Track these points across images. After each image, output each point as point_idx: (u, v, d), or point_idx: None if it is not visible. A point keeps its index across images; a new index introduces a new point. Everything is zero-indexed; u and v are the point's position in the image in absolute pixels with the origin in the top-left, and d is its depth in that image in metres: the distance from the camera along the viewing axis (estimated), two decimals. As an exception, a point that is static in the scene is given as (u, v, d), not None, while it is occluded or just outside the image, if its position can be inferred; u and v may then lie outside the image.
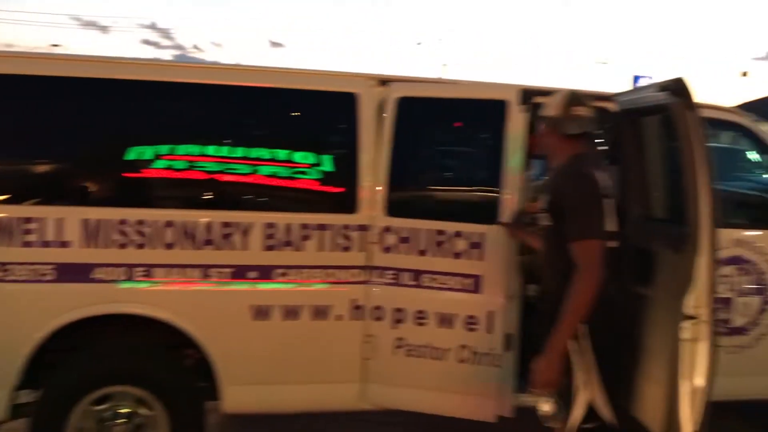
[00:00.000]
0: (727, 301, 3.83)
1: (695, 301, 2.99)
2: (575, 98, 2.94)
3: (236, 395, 3.39)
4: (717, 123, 4.00)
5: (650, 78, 49.02)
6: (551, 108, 2.94)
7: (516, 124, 3.47)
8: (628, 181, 3.79)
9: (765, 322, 3.89)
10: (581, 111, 2.90)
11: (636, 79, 48.46)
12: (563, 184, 2.84)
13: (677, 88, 3.01)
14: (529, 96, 3.48)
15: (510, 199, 3.48)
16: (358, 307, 3.43)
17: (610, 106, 3.79)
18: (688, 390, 3.04)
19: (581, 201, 2.76)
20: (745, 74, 59.13)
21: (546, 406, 2.72)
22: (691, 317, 3.00)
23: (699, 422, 3.01)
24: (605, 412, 2.78)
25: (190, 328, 3.28)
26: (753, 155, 4.43)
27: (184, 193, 3.39)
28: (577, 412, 2.73)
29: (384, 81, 3.55)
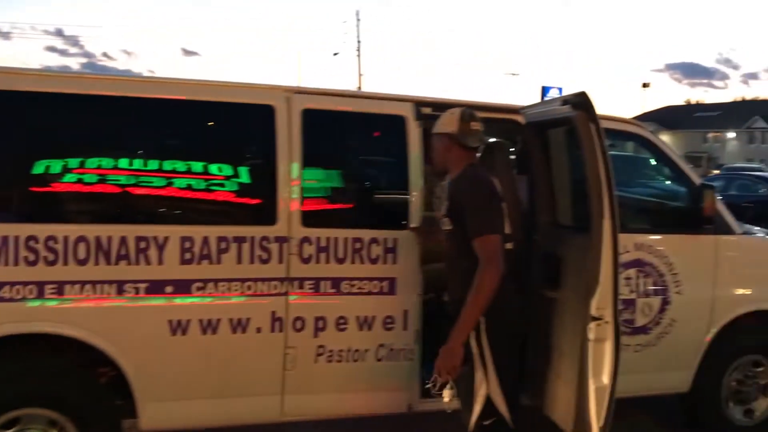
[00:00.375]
0: (630, 303, 4.04)
1: (600, 302, 3.17)
2: (470, 114, 3.12)
3: (155, 412, 3.32)
4: (618, 134, 4.24)
5: (559, 89, 50.58)
6: (448, 125, 3.09)
7: (413, 137, 3.64)
8: (537, 190, 3.97)
9: (665, 321, 4.12)
10: (476, 125, 3.10)
11: (545, 90, 50.23)
12: (462, 189, 3.02)
13: (580, 101, 3.20)
14: (421, 110, 3.66)
15: (416, 205, 3.62)
16: (278, 319, 3.44)
17: (519, 118, 3.96)
18: (595, 388, 3.22)
19: (478, 201, 2.94)
20: (646, 85, 62.85)
21: (447, 393, 2.85)
22: (596, 318, 3.18)
23: (605, 418, 3.19)
24: (501, 408, 2.91)
25: (104, 346, 3.19)
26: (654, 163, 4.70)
27: (98, 207, 3.30)
28: (476, 408, 2.88)
29: (300, 93, 3.60)
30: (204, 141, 3.62)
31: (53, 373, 3.25)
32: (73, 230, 3.16)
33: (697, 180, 4.17)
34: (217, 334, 3.34)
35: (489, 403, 2.92)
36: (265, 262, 3.40)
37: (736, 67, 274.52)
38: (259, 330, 3.41)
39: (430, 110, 3.78)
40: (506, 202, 4.11)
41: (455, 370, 2.84)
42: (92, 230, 3.18)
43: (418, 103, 3.68)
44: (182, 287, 3.28)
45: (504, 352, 2.94)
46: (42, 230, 3.12)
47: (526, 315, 3.35)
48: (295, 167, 3.44)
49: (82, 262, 3.15)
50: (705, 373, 4.27)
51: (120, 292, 3.20)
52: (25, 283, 3.09)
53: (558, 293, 3.54)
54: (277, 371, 3.47)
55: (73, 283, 3.15)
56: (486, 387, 2.90)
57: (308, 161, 3.47)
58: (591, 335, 3.19)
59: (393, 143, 3.74)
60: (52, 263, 3.12)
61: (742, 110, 73.47)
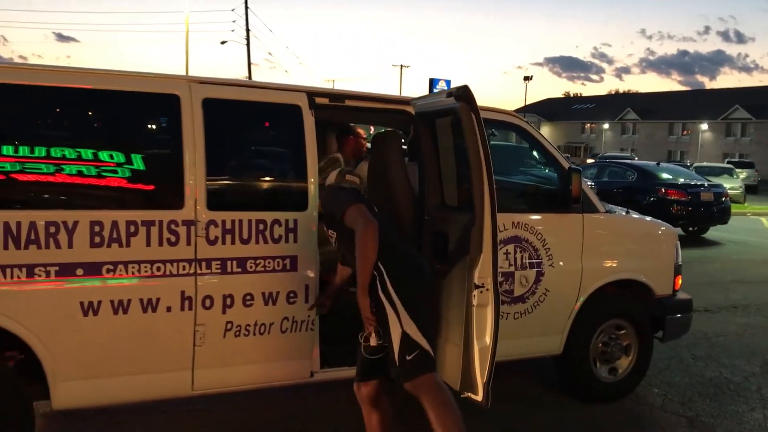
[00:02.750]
0: (509, 275, 4.50)
1: (481, 272, 3.56)
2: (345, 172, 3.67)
3: (67, 391, 3.42)
4: (498, 123, 4.67)
5: (447, 81, 51.74)
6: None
7: (308, 125, 3.92)
8: (426, 175, 4.34)
9: (540, 291, 4.61)
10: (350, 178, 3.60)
11: (434, 81, 51.25)
12: (329, 200, 3.53)
13: (462, 94, 3.57)
14: (314, 100, 3.95)
15: (313, 189, 3.91)
16: (187, 298, 3.62)
17: (409, 109, 4.31)
18: (478, 349, 3.63)
19: (334, 197, 3.45)
20: (528, 78, 65.57)
21: (374, 340, 3.31)
22: (478, 286, 3.58)
23: (488, 374, 3.60)
24: (421, 341, 3.30)
25: (14, 329, 3.27)
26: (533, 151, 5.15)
27: (7, 193, 3.33)
28: (395, 345, 3.29)
29: (201, 83, 3.77)
30: (112, 129, 3.71)
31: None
32: (-22, 216, 3.20)
33: (566, 165, 4.68)
34: (128, 314, 3.48)
35: (408, 339, 3.28)
36: (173, 244, 3.57)
37: (610, 62, 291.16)
38: (169, 309, 3.57)
39: (325, 100, 4.08)
40: (399, 188, 4.50)
41: (370, 320, 3.31)
42: (1, 216, 3.24)
43: (312, 93, 3.95)
44: (93, 269, 3.40)
45: (410, 294, 3.33)
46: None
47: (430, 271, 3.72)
48: (199, 154, 3.62)
49: (-10, 247, 3.21)
50: (575, 337, 4.82)
51: (30, 275, 3.28)
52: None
53: (446, 267, 3.93)
54: (188, 347, 3.65)
55: (-21, 267, 3.20)
56: (399, 327, 3.28)
57: (211, 148, 3.65)
58: (474, 301, 3.59)
59: (289, 131, 3.98)
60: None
61: (615, 102, 78.38)
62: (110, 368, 3.51)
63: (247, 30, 43.34)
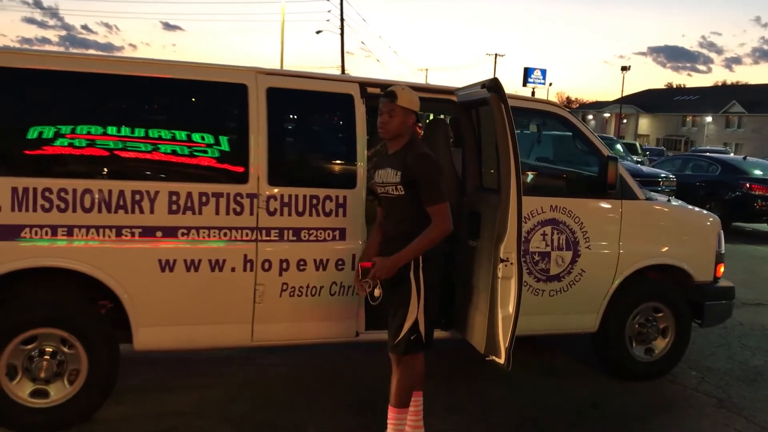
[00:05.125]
0: (545, 255, 4.84)
1: (506, 248, 3.94)
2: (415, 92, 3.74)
3: (146, 335, 4.05)
4: (538, 113, 5.01)
5: (542, 70, 50.67)
6: (413, 103, 3.62)
7: (359, 113, 4.37)
8: (467, 160, 4.74)
9: (576, 271, 4.92)
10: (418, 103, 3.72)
11: (529, 71, 50.35)
12: (417, 161, 3.52)
13: (493, 85, 3.95)
14: (366, 90, 4.37)
15: (362, 170, 4.37)
16: (249, 261, 4.18)
17: (453, 98, 4.71)
18: (502, 317, 4.01)
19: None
20: (625, 68, 63.59)
21: (377, 291, 3.61)
22: (503, 260, 3.96)
23: (510, 339, 3.97)
24: (422, 329, 3.59)
25: (105, 279, 3.91)
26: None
27: (101, 166, 3.97)
28: (408, 324, 3.56)
29: (269, 74, 4.32)
30: (189, 114, 4.32)
31: (64, 300, 3.98)
32: (80, 184, 3.87)
33: (605, 153, 4.95)
34: (198, 272, 4.08)
35: (417, 324, 3.57)
36: (238, 214, 4.13)
37: (719, 52, 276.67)
38: (233, 269, 4.15)
39: (377, 90, 4.53)
40: (444, 172, 4.92)
41: (383, 277, 3.54)
42: (96, 185, 3.90)
43: (364, 84, 4.42)
44: (170, 232, 4.02)
45: (431, 288, 3.62)
46: (56, 184, 3.83)
47: (448, 265, 4.12)
48: (262, 137, 4.16)
49: (87, 210, 3.87)
50: (611, 317, 5.09)
51: (119, 235, 3.93)
52: (41, 226, 3.81)
53: (477, 243, 4.32)
54: (248, 304, 4.22)
55: (80, 227, 3.87)
56: (416, 311, 3.56)
57: (273, 132, 4.18)
58: (499, 273, 3.97)
59: (342, 118, 4.48)
60: (63, 210, 3.84)
61: (720, 94, 74.67)
62: (182, 317, 4.12)
63: (342, 20, 44.33)
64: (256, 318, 4.25)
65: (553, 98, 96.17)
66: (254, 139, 4.15)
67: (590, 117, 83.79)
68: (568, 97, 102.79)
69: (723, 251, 5.42)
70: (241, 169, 4.15)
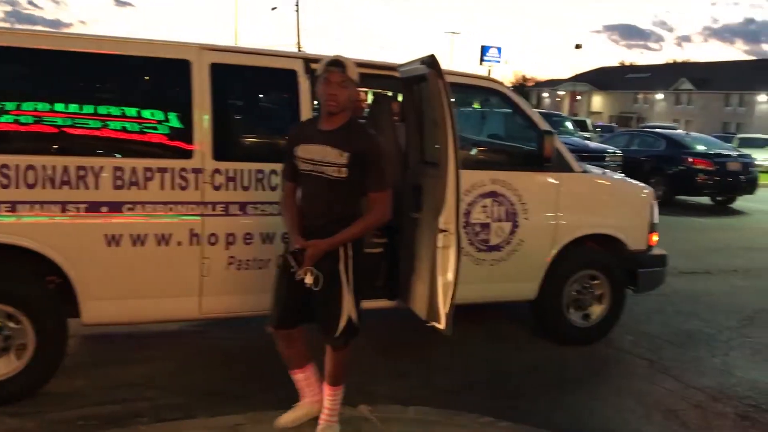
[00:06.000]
0: (486, 226, 5.03)
1: (446, 218, 4.09)
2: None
3: (93, 309, 4.10)
4: (478, 89, 5.16)
5: (498, 48, 50.67)
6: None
7: (304, 88, 4.44)
8: (410, 135, 4.88)
9: (515, 241, 5.13)
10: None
11: (485, 49, 50.66)
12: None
13: (431, 61, 4.07)
14: (310, 65, 4.42)
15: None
16: (195, 235, 4.26)
17: (396, 74, 4.83)
18: (442, 283, 4.18)
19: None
20: (578, 46, 64.41)
21: (309, 278, 3.27)
22: (443, 230, 4.12)
23: (449, 305, 4.15)
24: (354, 316, 3.44)
25: (52, 255, 3.96)
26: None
27: (46, 143, 3.97)
28: (344, 318, 3.39)
29: (212, 49, 4.36)
30: (134, 89, 4.35)
31: (9, 275, 4.00)
32: (23, 160, 3.89)
33: (542, 127, 5.14)
34: (144, 246, 4.14)
35: (351, 318, 3.42)
36: (183, 188, 4.20)
37: (670, 30, 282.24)
38: (179, 243, 4.22)
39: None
40: (389, 147, 5.04)
41: (312, 262, 3.26)
42: (40, 160, 3.92)
43: (307, 60, 4.50)
44: (115, 207, 4.06)
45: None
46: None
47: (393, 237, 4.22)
48: (207, 112, 4.22)
49: (31, 186, 3.90)
50: (549, 284, 5.32)
51: (64, 210, 3.96)
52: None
53: (420, 214, 4.48)
54: (196, 277, 4.30)
55: (24, 203, 3.90)
56: (350, 304, 3.39)
57: (217, 107, 4.24)
58: (439, 243, 4.13)
59: (287, 93, 4.55)
60: (6, 186, 3.85)
61: (671, 72, 76.24)
62: (129, 291, 4.18)
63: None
64: (204, 291, 4.34)
65: (509, 76, 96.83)
66: (198, 115, 4.20)
67: (545, 95, 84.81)
68: (523, 76, 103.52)
69: (656, 221, 5.69)
70: (185, 145, 4.20)
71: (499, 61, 46.45)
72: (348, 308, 3.39)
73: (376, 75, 4.98)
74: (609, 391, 4.72)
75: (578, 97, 75.28)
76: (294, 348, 3.62)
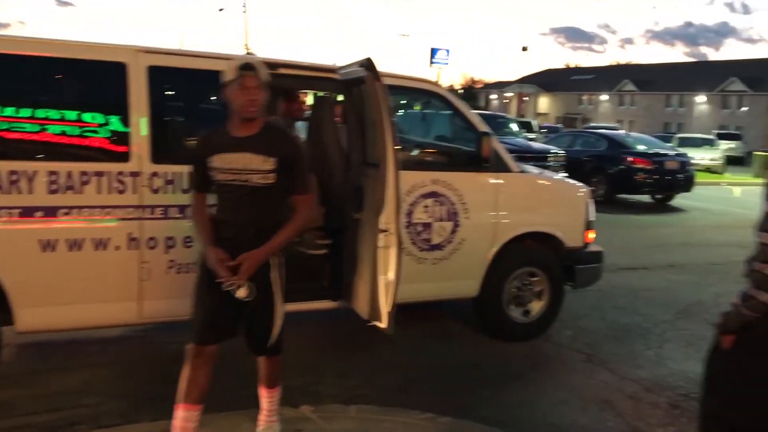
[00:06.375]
0: (427, 225, 5.11)
1: (386, 219, 4.16)
2: None
3: (29, 316, 4.03)
4: (417, 91, 5.24)
5: (447, 50, 50.94)
6: (265, 74, 3.18)
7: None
8: (351, 136, 4.92)
9: (456, 240, 5.22)
10: None
11: (434, 51, 51.10)
12: (289, 143, 3.26)
13: (368, 64, 4.13)
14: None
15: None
16: (134, 239, 4.21)
17: (337, 76, 4.87)
18: (384, 283, 4.24)
19: (304, 158, 3.31)
20: (525, 49, 65.66)
21: (243, 292, 3.11)
22: (384, 230, 4.18)
23: (391, 304, 4.21)
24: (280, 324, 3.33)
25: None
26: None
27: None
28: (278, 324, 3.30)
29: (149, 52, 4.32)
30: (71, 92, 4.26)
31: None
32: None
33: (480, 129, 5.25)
34: (81, 251, 4.08)
35: (282, 328, 3.34)
36: (121, 192, 4.16)
37: (614, 32, 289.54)
38: (117, 248, 4.17)
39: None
40: (331, 148, 5.07)
41: (250, 274, 3.12)
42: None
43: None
44: (50, 212, 3.99)
45: (284, 283, 3.33)
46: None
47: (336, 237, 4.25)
48: (145, 115, 4.18)
49: (-42, 191, 3.80)
50: (490, 282, 5.43)
51: (-5, 216, 3.87)
52: None
53: (361, 215, 4.53)
54: (135, 281, 4.26)
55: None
56: (281, 312, 3.31)
57: (155, 110, 4.21)
58: (380, 243, 4.19)
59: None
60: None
61: (614, 74, 78.13)
62: (66, 297, 4.11)
63: (244, -3, 43.46)
64: (144, 295, 4.30)
65: (458, 78, 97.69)
66: (135, 118, 4.16)
67: (494, 96, 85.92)
68: (472, 78, 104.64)
69: (592, 219, 5.86)
70: (122, 148, 4.16)
71: (447, 63, 46.87)
72: (280, 316, 3.30)
73: (318, 77, 5.02)
74: (547, 384, 4.85)
75: (525, 99, 76.58)
76: (203, 371, 3.29)
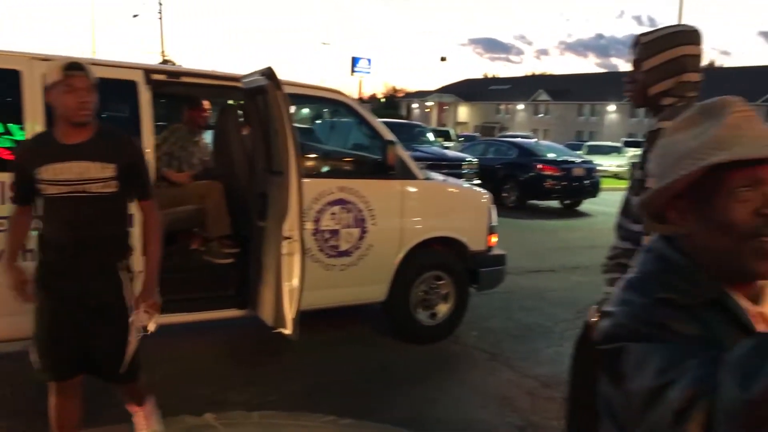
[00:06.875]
0: (335, 232, 5.20)
1: (289, 226, 4.22)
2: None
3: None
4: (323, 100, 5.33)
5: (368, 59, 51.35)
6: (94, 75, 2.95)
7: (144, 99, 4.42)
8: (255, 144, 4.97)
9: (364, 246, 5.33)
10: None
11: (355, 60, 51.35)
12: (131, 147, 3.06)
13: (269, 73, 4.19)
14: (151, 77, 4.45)
15: (149, 155, 4.39)
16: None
17: (240, 85, 4.91)
18: (288, 290, 4.30)
19: (145, 164, 3.11)
20: (443, 59, 66.95)
21: (152, 325, 3.06)
22: (287, 237, 4.24)
23: (295, 310, 4.27)
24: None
25: None
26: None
27: None
28: (132, 348, 3.04)
29: (46, 59, 4.24)
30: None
31: None
32: None
33: (386, 137, 5.39)
34: None
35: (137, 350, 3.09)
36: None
37: (530, 43, 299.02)
38: None
39: (163, 77, 4.62)
40: (236, 157, 5.09)
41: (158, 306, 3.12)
42: None
43: (148, 71, 4.49)
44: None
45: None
46: None
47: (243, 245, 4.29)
48: (39, 125, 4.09)
49: None
50: (398, 286, 5.57)
51: None
52: None
53: (266, 223, 4.57)
54: None
55: None
56: (134, 332, 3.02)
57: (50, 118, 4.12)
58: (284, 250, 4.25)
59: (127, 104, 4.51)
60: None
61: (530, 84, 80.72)
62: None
63: (160, 3, 42.53)
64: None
65: (380, 87, 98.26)
66: (30, 126, 4.07)
67: (415, 105, 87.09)
68: (393, 87, 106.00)
69: (495, 223, 6.10)
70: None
71: (369, 72, 47.30)
72: (134, 338, 3.02)
73: (222, 86, 5.05)
74: (452, 384, 5.01)
75: (446, 108, 78.01)
76: (71, 402, 3.08)
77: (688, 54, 2.36)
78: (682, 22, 16.52)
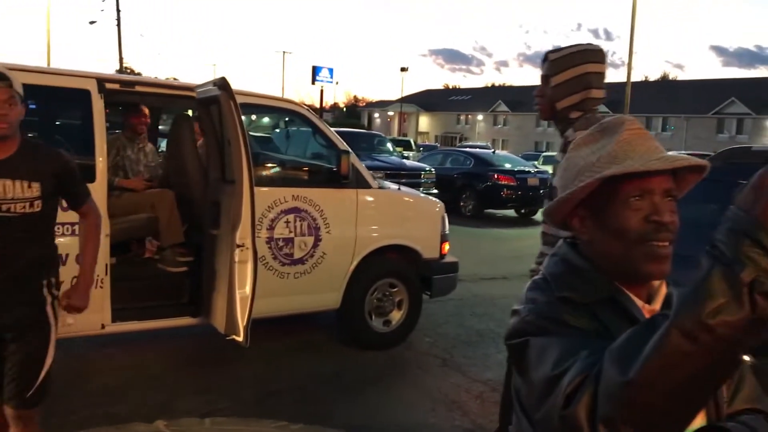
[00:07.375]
0: (289, 240, 5.27)
1: (241, 234, 4.29)
2: None
3: None
4: (279, 110, 5.42)
5: (330, 69, 51.38)
6: (20, 84, 2.76)
7: (97, 108, 4.43)
8: (209, 153, 5.02)
9: (318, 254, 5.41)
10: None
11: (317, 69, 51.28)
12: (65, 163, 2.85)
13: (222, 84, 4.26)
14: (104, 85, 4.48)
15: (102, 163, 4.46)
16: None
17: (194, 95, 4.95)
18: (240, 297, 4.35)
19: (76, 171, 2.93)
20: (404, 69, 67.40)
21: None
22: (239, 246, 4.30)
23: (247, 318, 4.33)
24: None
25: None
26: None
27: None
28: (45, 370, 2.83)
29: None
30: None
31: None
32: None
33: (340, 147, 5.49)
34: None
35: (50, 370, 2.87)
36: None
37: (489, 55, 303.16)
38: None
39: (116, 86, 4.64)
40: (189, 166, 5.13)
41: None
42: None
43: (101, 80, 4.51)
44: None
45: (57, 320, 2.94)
46: None
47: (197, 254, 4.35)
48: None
49: None
50: (352, 293, 5.66)
51: None
52: None
53: (218, 231, 4.62)
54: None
55: None
56: (53, 352, 2.86)
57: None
58: (236, 258, 4.31)
59: (80, 112, 4.53)
60: None
61: (489, 95, 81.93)
62: None
63: (118, 10, 41.93)
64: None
65: (341, 96, 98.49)
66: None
67: (377, 115, 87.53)
68: (355, 96, 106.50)
69: (447, 232, 6.23)
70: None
71: (331, 82, 47.39)
72: (51, 357, 2.83)
73: (176, 96, 5.09)
74: (403, 389, 5.11)
75: (407, 117, 78.56)
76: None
77: (591, 72, 2.52)
78: (632, 36, 16.88)
